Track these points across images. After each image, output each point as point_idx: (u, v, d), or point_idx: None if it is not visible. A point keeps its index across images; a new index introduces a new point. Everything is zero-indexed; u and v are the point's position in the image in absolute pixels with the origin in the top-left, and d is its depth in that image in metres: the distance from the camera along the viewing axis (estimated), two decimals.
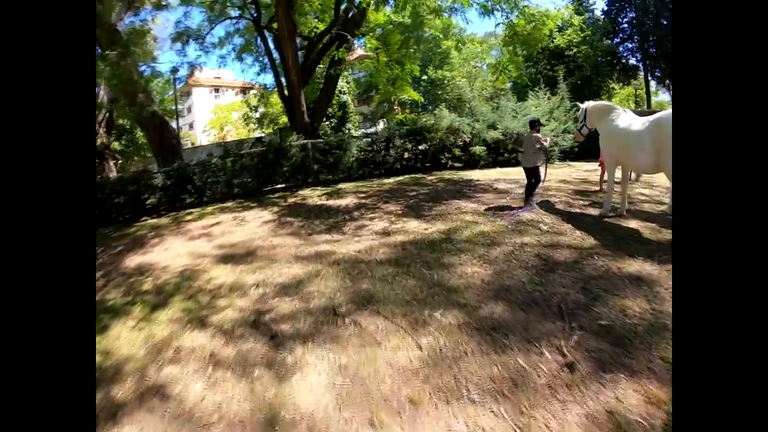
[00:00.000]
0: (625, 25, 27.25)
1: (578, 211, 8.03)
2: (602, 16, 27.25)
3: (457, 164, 14.15)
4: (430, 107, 24.22)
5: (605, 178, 9.69)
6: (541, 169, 8.43)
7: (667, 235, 6.00)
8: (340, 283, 5.17)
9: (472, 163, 14.42)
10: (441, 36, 38.27)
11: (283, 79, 15.83)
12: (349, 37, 14.19)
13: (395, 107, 32.10)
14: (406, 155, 14.16)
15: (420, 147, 14.21)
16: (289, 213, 9.23)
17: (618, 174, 7.39)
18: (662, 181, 8.68)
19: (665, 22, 24.58)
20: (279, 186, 13.37)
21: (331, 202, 9.77)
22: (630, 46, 27.53)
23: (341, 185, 12.44)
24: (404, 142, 14.02)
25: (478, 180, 11.55)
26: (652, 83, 28.76)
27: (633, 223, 6.76)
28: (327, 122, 27.65)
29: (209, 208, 11.39)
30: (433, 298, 4.57)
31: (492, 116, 15.41)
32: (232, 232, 8.30)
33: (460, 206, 8.38)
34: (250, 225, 8.70)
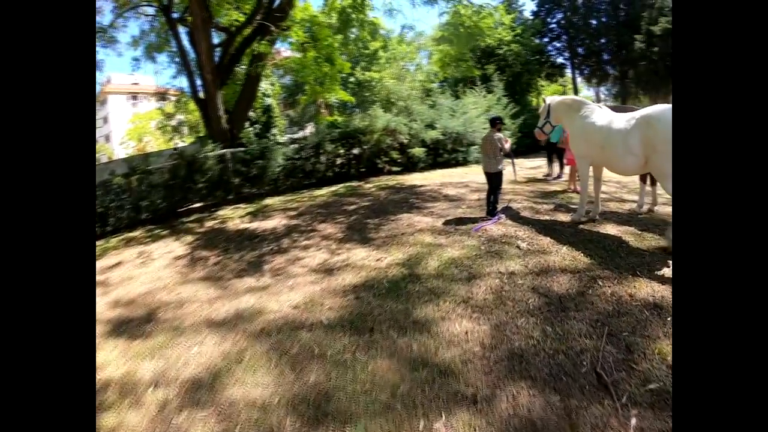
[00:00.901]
0: (554, 25, 27.79)
1: (548, 218, 6.87)
2: (532, 17, 27.72)
3: (395, 168, 12.66)
4: (357, 110, 22.72)
5: (577, 177, 8.73)
6: (511, 169, 7.33)
7: (651, 240, 5.37)
8: (275, 375, 3.30)
9: (411, 166, 13.04)
10: (369, 37, 37.26)
11: (199, 80, 13.23)
12: (272, 27, 12.03)
13: (323, 110, 30.14)
14: (338, 161, 12.47)
15: (354, 151, 12.60)
16: (205, 244, 7.24)
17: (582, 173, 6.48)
18: (611, 176, 7.79)
19: (594, 23, 25.19)
20: (196, 205, 10.95)
21: (256, 225, 7.90)
22: (558, 45, 28.29)
23: (267, 200, 10.52)
24: (336, 147, 12.31)
25: (422, 185, 10.12)
26: (579, 80, 29.39)
27: (611, 229, 5.95)
28: (251, 128, 25.32)
29: (113, 241, 8.89)
30: (422, 390, 2.90)
31: (430, 115, 14.10)
32: (132, 278, 6.14)
33: (413, 222, 6.87)
34: (156, 264, 6.58)
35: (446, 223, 6.69)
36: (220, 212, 9.89)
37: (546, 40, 27.58)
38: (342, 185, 11.31)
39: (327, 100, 30.40)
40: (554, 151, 10.13)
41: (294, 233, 6.95)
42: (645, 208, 6.83)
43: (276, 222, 7.87)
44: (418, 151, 12.83)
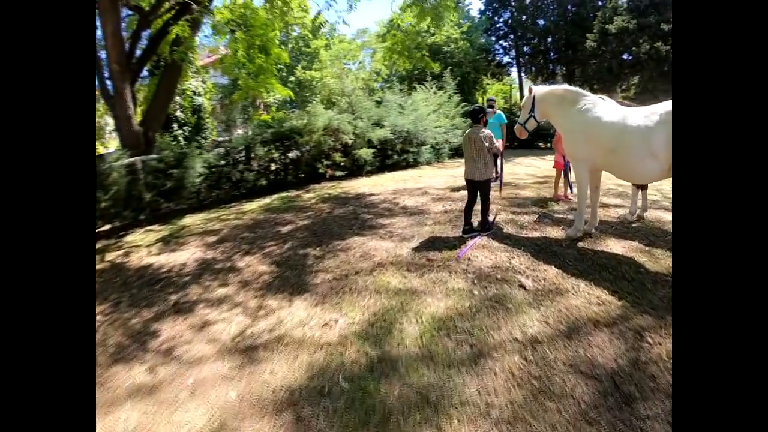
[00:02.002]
0: (501, 24, 27.28)
1: (537, 234, 5.49)
2: (479, 16, 27.16)
3: (339, 173, 10.81)
4: (298, 110, 20.83)
5: (560, 183, 7.30)
6: (493, 177, 5.69)
7: (665, 258, 4.47)
8: None
9: (357, 169, 11.25)
10: (310, 35, 35.34)
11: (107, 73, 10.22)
12: (194, 6, 9.42)
13: (261, 109, 27.65)
14: (273, 167, 10.45)
15: (290, 155, 10.64)
16: (97, 291, 5.09)
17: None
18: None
19: (541, 22, 24.66)
20: (102, 229, 7.95)
21: (164, 260, 5.72)
22: (504, 44, 27.87)
23: (187, 219, 8.31)
24: (269, 151, 10.27)
25: (372, 194, 8.37)
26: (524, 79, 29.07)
27: (614, 245, 4.95)
28: (179, 131, 22.54)
29: None
30: None
31: (377, 112, 12.36)
32: None
33: (368, 250, 5.11)
34: None
35: (415, 249, 5.02)
36: (129, 237, 7.51)
37: (493, 38, 27.09)
38: (277, 196, 9.32)
39: (264, 98, 27.97)
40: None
41: (207, 274, 4.94)
42: (635, 215, 5.96)
43: (188, 254, 5.81)
44: (365, 153, 11.08)
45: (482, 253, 4.78)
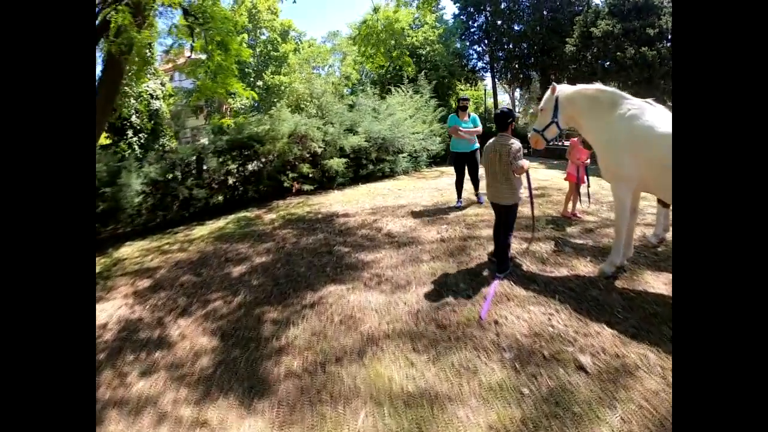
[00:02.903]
0: (475, 29, 26.42)
1: (565, 270, 4.30)
2: (453, 20, 26.30)
3: (307, 186, 9.32)
4: (259, 114, 19.40)
5: (572, 198, 6.14)
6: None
7: None
8: None
9: (328, 181, 9.83)
10: (279, 39, 33.77)
11: None
12: None
13: (227, 113, 25.82)
14: (230, 181, 8.90)
15: (250, 167, 9.11)
16: None
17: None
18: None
19: (517, 27, 23.87)
20: None
21: None
22: (478, 49, 26.97)
23: (125, 248, 6.67)
24: (224, 162, 8.73)
25: (347, 214, 6.98)
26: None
27: (653, 281, 3.98)
28: (135, 138, 20.52)
29: None
30: None
31: (349, 117, 10.96)
32: None
33: (351, 310, 3.75)
34: None
35: (417, 307, 3.68)
36: None
37: (467, 43, 26.34)
38: (234, 217, 7.77)
39: (230, 103, 26.18)
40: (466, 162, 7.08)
41: (128, 350, 3.44)
42: (660, 237, 5.02)
43: (112, 310, 4.29)
44: (336, 163, 9.67)
45: (509, 308, 3.52)
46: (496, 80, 27.23)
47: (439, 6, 25.99)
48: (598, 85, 4.15)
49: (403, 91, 13.99)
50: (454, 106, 22.48)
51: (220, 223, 7.37)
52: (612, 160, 3.90)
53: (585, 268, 4.30)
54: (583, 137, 5.22)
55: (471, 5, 25.26)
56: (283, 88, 28.96)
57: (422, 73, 15.93)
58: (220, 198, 8.65)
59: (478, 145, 6.87)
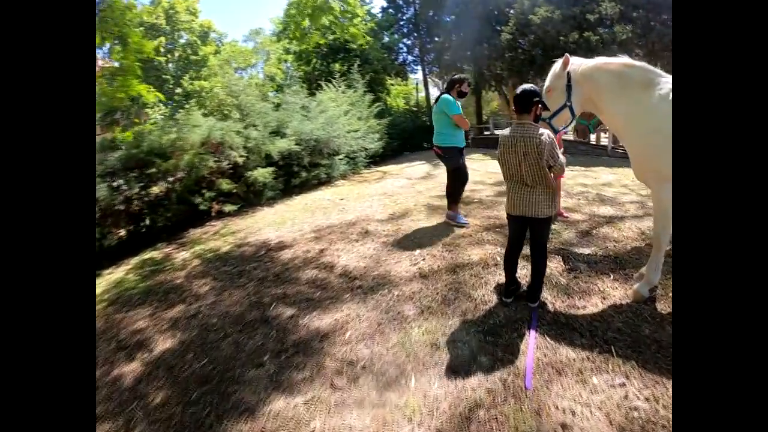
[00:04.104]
0: (404, 21, 25.17)
1: (599, 302, 3.34)
2: (381, 13, 24.94)
3: (228, 207, 7.38)
4: (162, 119, 17.04)
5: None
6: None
7: None
8: None
9: (254, 197, 7.99)
10: (199, 41, 30.73)
11: None
12: None
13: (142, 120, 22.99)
14: (133, 207, 6.81)
15: (155, 189, 7.09)
16: None
17: None
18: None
19: (447, 18, 22.93)
20: None
21: None
22: (408, 42, 25.77)
23: None
24: (119, 186, 6.67)
25: (282, 243, 5.22)
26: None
27: None
28: None
29: None
30: None
31: (275, 117, 9.13)
32: None
33: None
34: None
35: (433, 426, 2.20)
36: None
37: (396, 36, 24.96)
38: (138, 259, 5.65)
39: (131, 108, 23.18)
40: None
41: None
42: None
43: None
44: (262, 174, 7.85)
45: (565, 386, 2.41)
46: (426, 73, 26.14)
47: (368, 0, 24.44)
48: (624, 59, 3.19)
49: (334, 85, 12.34)
50: (390, 102, 21.19)
51: (119, 272, 5.32)
52: (655, 155, 2.93)
53: (615, 291, 3.42)
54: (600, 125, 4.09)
55: None
56: (204, 94, 26.35)
57: (355, 66, 14.45)
58: (122, 233, 6.62)
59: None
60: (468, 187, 7.33)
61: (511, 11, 18.27)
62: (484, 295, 3.44)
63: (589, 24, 15.47)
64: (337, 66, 12.22)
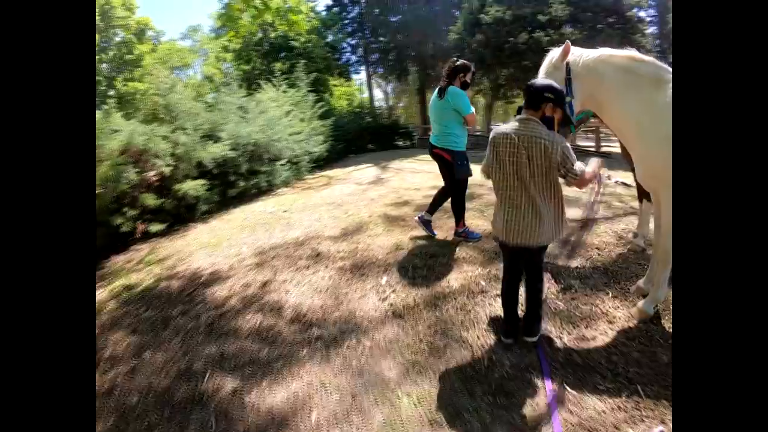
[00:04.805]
0: (348, 21, 24.16)
1: (608, 329, 2.90)
2: (326, 12, 23.88)
3: (156, 227, 6.21)
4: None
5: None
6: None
7: None
8: None
9: (186, 213, 6.86)
10: (135, 39, 28.16)
11: None
12: None
13: None
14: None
15: None
16: None
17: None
18: None
19: (393, 19, 22.30)
20: None
21: None
22: (352, 42, 24.85)
23: None
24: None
25: (218, 274, 4.26)
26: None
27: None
28: None
29: None
30: None
31: (208, 119, 8.00)
32: None
33: None
34: None
35: None
36: None
37: (340, 35, 24.02)
38: None
39: None
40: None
41: None
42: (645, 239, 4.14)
43: None
44: (194, 187, 6.74)
45: None
46: (370, 74, 25.56)
47: None
48: (630, 51, 2.75)
49: (275, 85, 11.29)
50: (333, 102, 20.22)
51: None
52: (657, 153, 2.55)
53: (618, 311, 3.04)
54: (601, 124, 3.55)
55: None
56: (138, 96, 24.16)
57: (300, 64, 13.58)
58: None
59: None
60: (425, 192, 6.66)
61: (458, 12, 18.23)
62: (478, 337, 2.78)
63: (539, 24, 15.49)
64: (278, 65, 11.30)
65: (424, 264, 3.88)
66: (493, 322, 2.94)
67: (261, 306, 3.43)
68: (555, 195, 2.37)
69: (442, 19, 19.88)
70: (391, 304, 3.22)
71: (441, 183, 4.52)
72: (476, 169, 3.22)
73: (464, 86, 4.14)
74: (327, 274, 3.89)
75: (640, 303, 2.92)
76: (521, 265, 2.64)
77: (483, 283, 3.43)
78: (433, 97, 4.31)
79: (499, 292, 3.26)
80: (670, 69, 2.65)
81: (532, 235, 2.38)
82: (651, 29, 18.93)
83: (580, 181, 2.34)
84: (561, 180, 2.41)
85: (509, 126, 2.40)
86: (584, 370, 2.45)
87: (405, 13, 21.37)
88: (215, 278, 4.16)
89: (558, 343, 2.72)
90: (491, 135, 2.48)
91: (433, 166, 4.68)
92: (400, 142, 19.14)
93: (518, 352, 2.62)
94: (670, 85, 2.53)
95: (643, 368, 2.44)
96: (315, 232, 5.14)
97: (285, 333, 3.01)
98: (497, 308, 3.09)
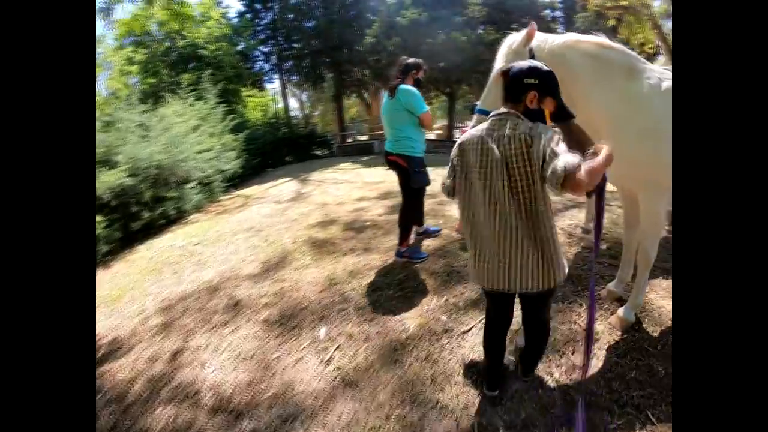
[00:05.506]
0: (261, 27, 22.54)
1: (596, 358, 2.42)
2: (237, 18, 22.09)
3: None
4: None
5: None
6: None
7: None
8: None
9: None
10: None
11: None
12: None
13: None
14: None
15: None
16: None
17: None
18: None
19: (308, 25, 21.32)
20: None
21: None
22: (265, 49, 23.14)
23: None
24: None
25: (118, 345, 3.40)
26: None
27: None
28: None
29: None
30: None
31: (100, 140, 6.74)
32: None
33: None
34: None
35: None
36: None
37: (252, 42, 22.34)
38: None
39: None
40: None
41: None
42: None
43: None
44: None
45: None
46: (284, 81, 24.32)
47: (222, 3, 21.82)
48: (597, 37, 2.41)
49: (181, 97, 10.11)
50: (246, 114, 19.02)
51: None
52: (651, 161, 2.30)
53: (598, 325, 2.70)
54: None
55: (257, 1, 21.77)
56: None
57: (207, 73, 12.48)
58: None
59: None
60: (351, 207, 6.05)
61: (374, 16, 18.03)
62: (457, 396, 2.25)
63: (456, 25, 15.58)
64: (186, 76, 10.13)
65: (369, 301, 3.27)
66: (469, 369, 2.41)
67: (173, 391, 2.62)
68: (543, 213, 1.78)
69: (357, 23, 19.56)
70: (338, 368, 2.56)
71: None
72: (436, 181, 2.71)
73: (417, 84, 3.70)
74: (250, 331, 3.14)
75: (620, 311, 2.68)
76: (511, 314, 2.08)
77: (444, 318, 2.90)
78: (384, 98, 3.81)
79: (465, 328, 2.76)
80: (639, 56, 2.43)
81: (516, 279, 1.78)
82: (560, 29, 19.92)
83: (574, 183, 1.52)
84: (550, 191, 1.76)
85: (480, 127, 1.82)
86: (588, 410, 2.02)
87: (320, 18, 20.67)
88: (115, 349, 3.27)
89: (549, 381, 2.27)
90: (458, 141, 1.91)
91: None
92: (319, 152, 18.73)
93: (508, 405, 2.12)
94: (644, 74, 2.33)
95: (645, 388, 2.19)
96: (231, 271, 4.34)
97: (208, 431, 2.26)
98: (467, 348, 2.58)
